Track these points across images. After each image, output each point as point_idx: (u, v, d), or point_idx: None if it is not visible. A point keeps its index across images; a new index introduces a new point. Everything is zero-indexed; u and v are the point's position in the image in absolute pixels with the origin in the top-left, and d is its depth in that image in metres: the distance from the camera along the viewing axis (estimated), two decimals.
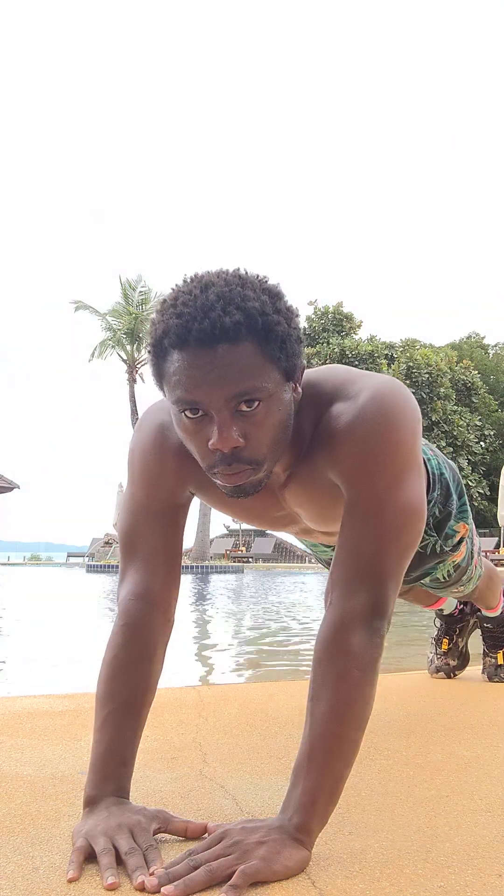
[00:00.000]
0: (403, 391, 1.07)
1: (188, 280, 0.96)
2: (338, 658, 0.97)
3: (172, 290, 0.96)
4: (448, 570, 1.70)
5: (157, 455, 1.14)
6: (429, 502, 1.52)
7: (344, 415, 1.04)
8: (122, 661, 1.11)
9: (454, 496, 1.56)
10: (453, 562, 1.68)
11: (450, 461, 1.64)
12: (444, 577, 1.73)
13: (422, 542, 1.56)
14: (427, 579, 1.73)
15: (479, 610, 2.22)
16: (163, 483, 1.15)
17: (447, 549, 1.60)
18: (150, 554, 1.16)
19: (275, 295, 0.96)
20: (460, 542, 1.63)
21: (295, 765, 0.98)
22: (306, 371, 1.11)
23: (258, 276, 0.97)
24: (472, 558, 1.74)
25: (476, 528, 1.75)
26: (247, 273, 0.96)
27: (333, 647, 0.98)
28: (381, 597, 0.99)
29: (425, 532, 1.55)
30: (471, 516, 1.65)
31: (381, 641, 0.99)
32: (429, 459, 1.52)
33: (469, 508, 1.64)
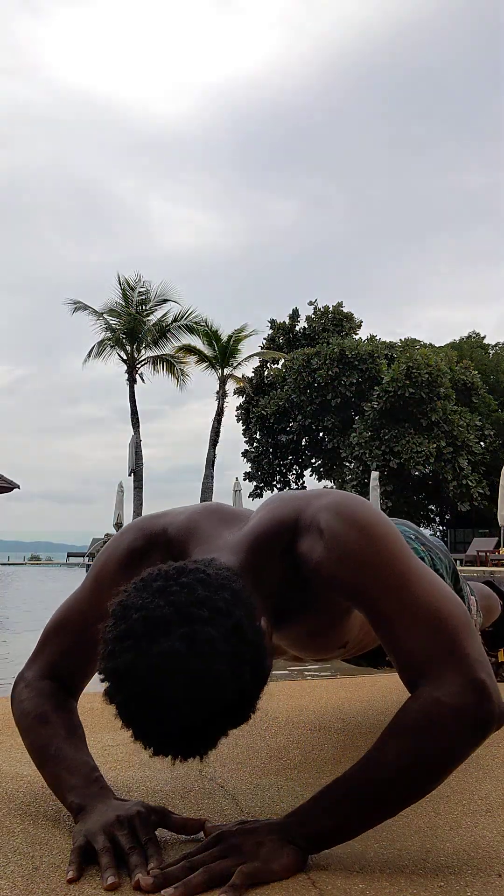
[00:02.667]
0: (348, 496, 1.04)
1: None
2: (442, 711, 0.89)
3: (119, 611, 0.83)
4: None
5: (116, 577, 1.09)
6: None
7: (315, 547, 0.99)
8: (42, 712, 1.13)
9: (450, 585, 1.57)
10: None
11: (438, 544, 1.63)
12: None
13: None
14: None
15: None
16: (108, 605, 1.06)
17: None
18: (69, 647, 1.18)
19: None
20: None
21: (336, 782, 0.94)
22: (256, 520, 1.06)
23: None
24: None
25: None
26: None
27: (443, 711, 0.89)
28: (477, 680, 0.90)
29: None
30: (467, 592, 1.66)
31: (484, 732, 0.91)
32: (422, 558, 1.50)
33: (463, 587, 1.65)
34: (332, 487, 27.79)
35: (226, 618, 0.81)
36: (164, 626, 0.79)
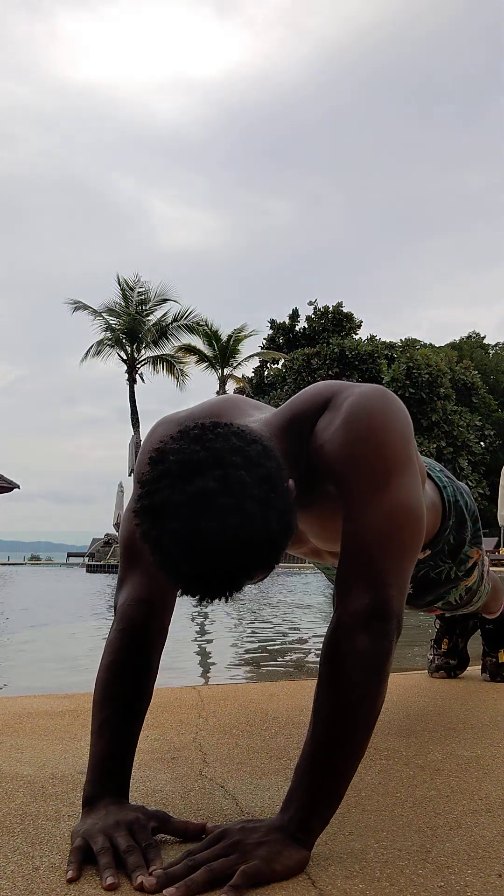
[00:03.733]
0: (387, 395, 1.07)
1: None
2: (340, 660, 0.97)
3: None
4: (460, 594, 1.75)
5: None
6: (444, 530, 1.55)
7: (329, 425, 1.05)
8: (121, 666, 1.11)
9: (469, 523, 1.58)
10: (465, 586, 1.71)
11: (464, 487, 1.65)
12: (455, 601, 1.78)
13: (436, 568, 1.58)
14: (440, 603, 1.75)
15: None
16: None
17: (460, 574, 1.62)
18: (150, 563, 1.16)
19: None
20: (473, 566, 1.65)
21: (297, 765, 0.98)
22: (296, 397, 1.12)
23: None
24: (482, 580, 1.76)
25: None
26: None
27: (336, 649, 0.98)
28: (382, 598, 0.98)
29: (440, 559, 1.57)
30: (482, 541, 1.67)
31: (388, 643, 0.97)
32: (444, 487, 1.53)
33: (482, 533, 1.66)
34: None
35: (257, 467, 0.86)
36: (199, 467, 0.83)
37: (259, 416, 1.14)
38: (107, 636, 1.15)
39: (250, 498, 0.83)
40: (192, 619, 5.79)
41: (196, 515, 0.81)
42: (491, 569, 1.92)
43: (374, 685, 0.97)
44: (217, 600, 0.87)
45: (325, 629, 1.02)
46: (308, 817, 0.94)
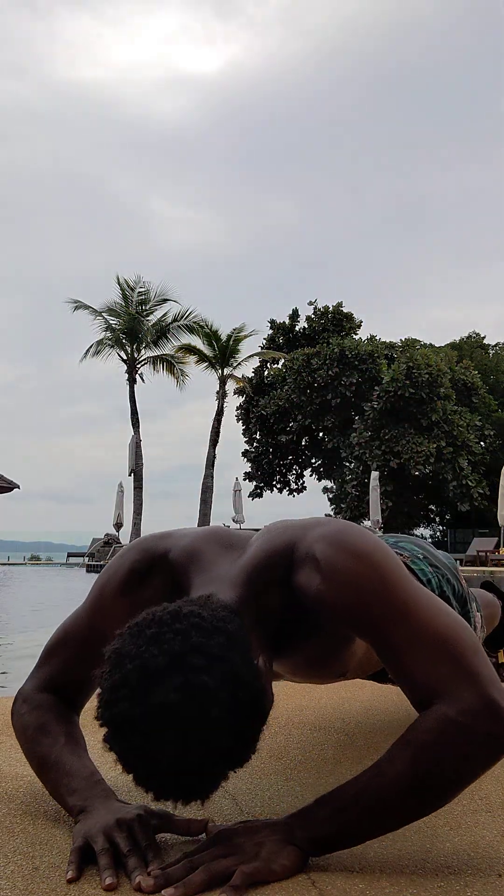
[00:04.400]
0: (343, 525, 1.03)
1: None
2: (455, 742, 0.89)
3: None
4: None
5: (117, 596, 1.11)
6: None
7: (313, 580, 0.97)
8: (42, 723, 1.14)
9: (458, 610, 1.55)
10: None
11: (449, 568, 1.61)
12: None
13: None
14: None
15: None
16: (109, 624, 1.02)
17: None
18: (70, 662, 1.18)
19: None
20: None
21: (342, 788, 0.94)
22: (251, 560, 1.04)
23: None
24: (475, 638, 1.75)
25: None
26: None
27: (456, 729, 0.89)
28: (490, 697, 0.89)
29: None
30: (473, 610, 1.65)
31: (497, 751, 0.90)
32: (429, 581, 1.50)
33: (470, 609, 1.64)
34: (332, 488, 27.82)
35: (221, 663, 0.81)
36: (159, 676, 0.79)
37: (233, 563, 1.05)
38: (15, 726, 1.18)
39: (215, 705, 0.79)
40: None
41: (159, 731, 0.78)
42: (492, 569, 1.92)
43: (479, 764, 0.91)
44: (193, 803, 0.86)
45: None
46: (319, 834, 0.92)
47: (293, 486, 29.59)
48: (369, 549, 0.98)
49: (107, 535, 22.63)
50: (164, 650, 0.80)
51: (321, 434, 26.93)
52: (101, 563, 19.13)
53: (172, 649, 0.80)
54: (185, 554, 1.10)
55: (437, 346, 29.06)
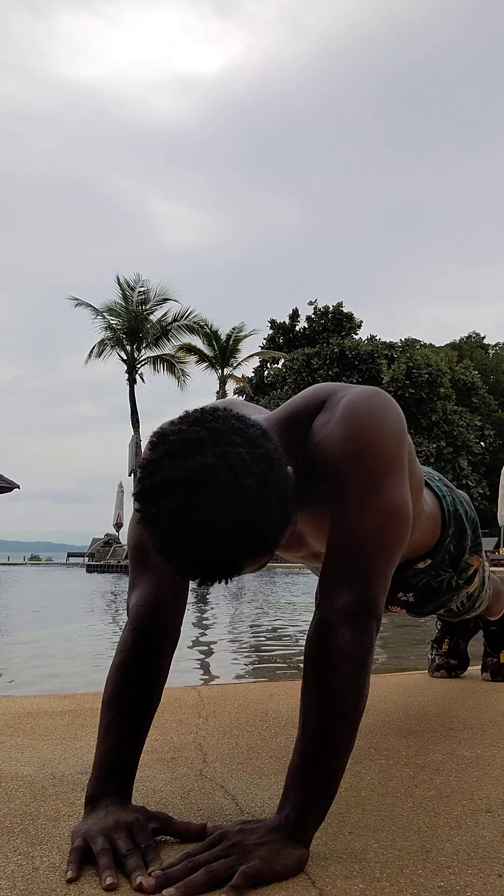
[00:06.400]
0: (382, 396, 1.09)
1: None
2: (325, 656, 0.98)
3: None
4: (462, 601, 1.76)
5: None
6: (444, 540, 1.55)
7: (326, 424, 1.06)
8: (131, 666, 1.11)
9: (469, 531, 1.58)
10: (467, 593, 1.72)
11: (464, 495, 1.66)
12: (458, 608, 1.79)
13: (438, 577, 1.59)
14: (442, 610, 1.76)
15: None
16: None
17: (461, 582, 1.63)
18: (160, 565, 1.16)
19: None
20: (474, 574, 1.66)
21: (290, 764, 0.98)
22: (295, 397, 1.14)
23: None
24: (483, 586, 1.77)
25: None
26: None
27: (320, 645, 0.99)
28: (366, 595, 0.99)
29: (441, 569, 1.58)
30: (482, 546, 1.67)
31: (370, 639, 0.99)
32: (444, 497, 1.53)
33: (482, 539, 1.66)
34: None
35: (257, 447, 0.86)
36: (199, 445, 0.83)
37: (257, 415, 1.15)
38: (120, 637, 1.15)
39: (250, 475, 0.83)
40: (194, 625, 5.79)
41: (195, 491, 0.81)
42: (491, 569, 1.92)
43: (360, 679, 0.98)
44: (217, 582, 0.87)
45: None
46: (303, 815, 0.94)
47: None
48: (382, 426, 1.05)
49: (107, 535, 22.60)
50: (207, 427, 0.85)
51: None
52: (101, 562, 19.11)
53: (214, 427, 0.86)
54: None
55: (437, 346, 29.07)
